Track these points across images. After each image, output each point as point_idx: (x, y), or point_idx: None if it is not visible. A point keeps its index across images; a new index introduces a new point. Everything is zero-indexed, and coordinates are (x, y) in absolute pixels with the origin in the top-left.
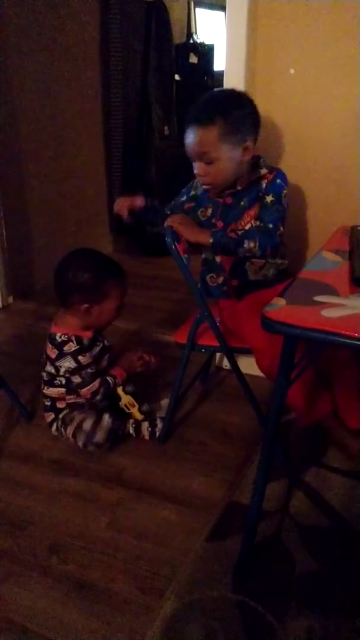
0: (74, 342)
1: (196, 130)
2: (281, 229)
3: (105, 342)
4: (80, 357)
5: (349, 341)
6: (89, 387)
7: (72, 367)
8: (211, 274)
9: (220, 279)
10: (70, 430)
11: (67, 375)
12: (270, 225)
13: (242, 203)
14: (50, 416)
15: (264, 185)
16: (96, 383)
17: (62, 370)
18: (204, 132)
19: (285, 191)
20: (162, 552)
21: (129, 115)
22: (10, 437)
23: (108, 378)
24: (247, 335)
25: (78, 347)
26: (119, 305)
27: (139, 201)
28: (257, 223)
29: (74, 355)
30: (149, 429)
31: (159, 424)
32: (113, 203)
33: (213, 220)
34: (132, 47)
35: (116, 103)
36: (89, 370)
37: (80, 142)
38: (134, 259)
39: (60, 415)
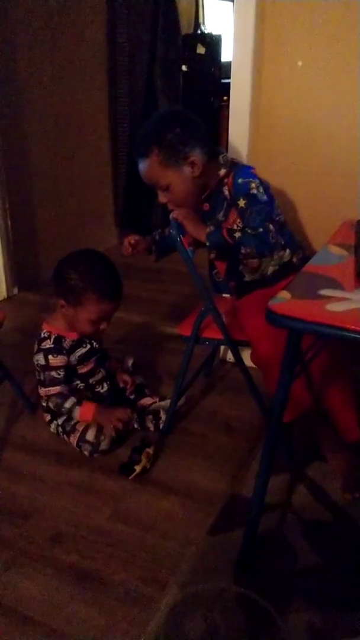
0: (51, 340)
1: (140, 164)
2: (270, 227)
3: (95, 344)
4: (50, 357)
5: (353, 335)
6: (45, 389)
7: (41, 364)
8: (216, 271)
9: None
10: (73, 440)
11: (38, 370)
12: (261, 230)
13: (218, 216)
14: (47, 417)
15: (226, 192)
16: (52, 389)
17: (36, 366)
18: (145, 165)
19: (253, 184)
20: (165, 543)
21: (134, 107)
22: (13, 428)
23: (72, 402)
24: (244, 328)
25: (52, 346)
26: (94, 320)
27: (141, 246)
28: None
29: (45, 353)
30: (153, 421)
31: (163, 417)
32: (118, 196)
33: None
34: (138, 37)
35: (122, 94)
36: (53, 373)
37: (86, 134)
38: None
39: (60, 421)
